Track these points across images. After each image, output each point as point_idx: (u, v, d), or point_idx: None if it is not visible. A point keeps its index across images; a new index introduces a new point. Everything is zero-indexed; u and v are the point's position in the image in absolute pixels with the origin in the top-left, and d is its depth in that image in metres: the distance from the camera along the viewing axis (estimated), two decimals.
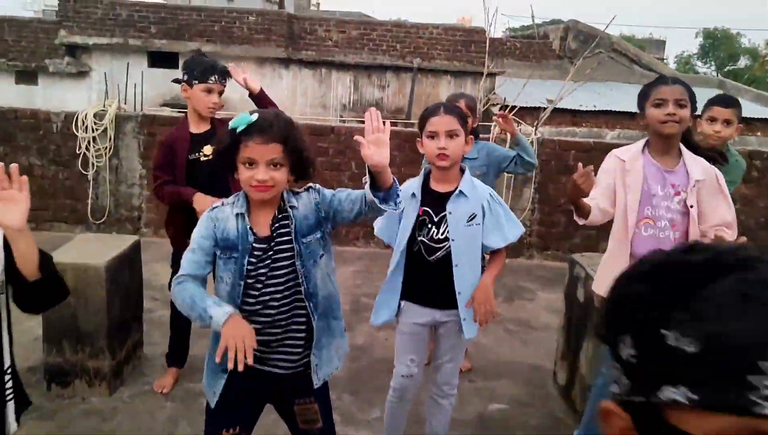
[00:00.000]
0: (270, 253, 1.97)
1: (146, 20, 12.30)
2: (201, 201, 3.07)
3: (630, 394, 0.59)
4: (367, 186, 1.88)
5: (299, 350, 2.06)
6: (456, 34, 12.88)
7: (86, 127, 5.82)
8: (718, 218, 2.61)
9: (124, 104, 6.15)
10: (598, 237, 6.17)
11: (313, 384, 2.07)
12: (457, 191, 2.48)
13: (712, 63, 37.08)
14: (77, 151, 5.87)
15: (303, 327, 2.05)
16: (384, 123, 1.88)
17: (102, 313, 3.27)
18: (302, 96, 12.97)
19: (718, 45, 35.49)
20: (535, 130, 6.05)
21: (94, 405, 3.29)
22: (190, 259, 1.94)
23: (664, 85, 2.58)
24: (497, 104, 13.12)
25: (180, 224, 3.24)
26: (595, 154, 6.00)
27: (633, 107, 9.91)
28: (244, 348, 1.69)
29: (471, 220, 2.48)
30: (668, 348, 0.54)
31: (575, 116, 13.17)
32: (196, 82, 3.19)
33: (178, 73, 10.60)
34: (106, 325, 3.29)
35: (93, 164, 5.90)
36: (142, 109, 6.12)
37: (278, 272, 1.98)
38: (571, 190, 2.41)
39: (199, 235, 1.98)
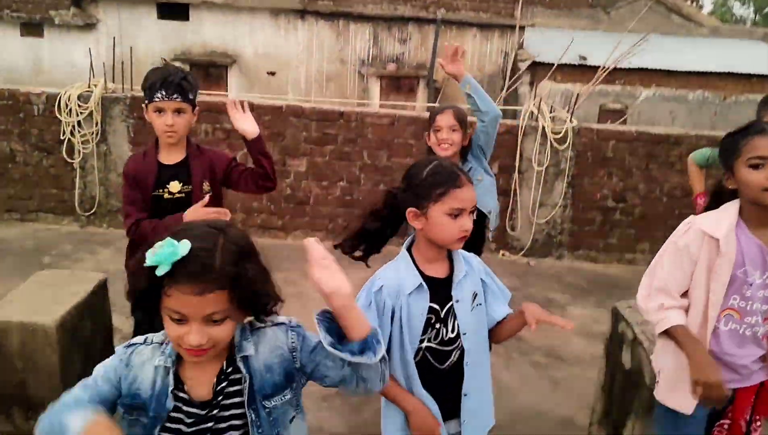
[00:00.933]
0: (209, 423, 1.36)
1: None
2: (193, 215, 2.41)
3: None
4: (326, 340, 1.31)
5: None
6: None
7: (70, 111, 5.17)
8: None
9: (112, 83, 5.44)
10: (637, 237, 5.46)
11: None
12: (463, 273, 1.87)
13: (751, 4, 34.92)
14: (62, 137, 5.24)
15: None
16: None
17: (55, 378, 2.72)
18: (318, 50, 12.11)
19: None
20: (571, 116, 5.25)
21: None
22: (77, 394, 1.35)
23: (761, 136, 1.83)
24: (525, 60, 12.15)
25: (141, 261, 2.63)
26: (638, 145, 5.22)
27: (670, 64, 8.84)
28: None
29: (474, 301, 1.89)
30: None
31: (608, 73, 12.14)
32: (146, 101, 2.51)
33: (189, 26, 9.60)
34: (61, 391, 2.74)
35: (79, 151, 5.27)
36: (131, 89, 5.41)
37: None
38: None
39: (102, 371, 1.38)
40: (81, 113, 5.19)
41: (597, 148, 5.22)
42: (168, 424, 1.34)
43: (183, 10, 11.80)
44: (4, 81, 10.67)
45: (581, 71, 12.31)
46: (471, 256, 1.97)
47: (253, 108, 2.60)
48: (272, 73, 12.02)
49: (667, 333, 1.95)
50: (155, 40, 11.79)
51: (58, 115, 5.19)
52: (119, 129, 5.28)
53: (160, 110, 2.49)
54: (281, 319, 1.44)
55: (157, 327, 1.34)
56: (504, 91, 7.04)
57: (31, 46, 12.18)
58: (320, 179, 5.34)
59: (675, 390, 2.05)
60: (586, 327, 4.41)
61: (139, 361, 1.37)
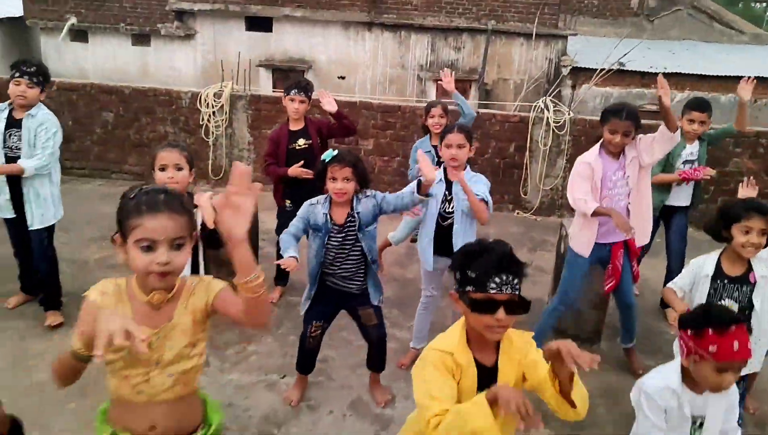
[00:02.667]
0: (342, 235, 3.64)
1: None
2: (292, 171, 4.85)
3: (458, 288, 2.23)
4: (415, 194, 3.54)
5: (360, 281, 3.79)
6: None
7: (207, 104, 7.71)
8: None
9: (234, 83, 7.96)
10: None
11: (369, 299, 3.80)
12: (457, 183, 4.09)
13: None
14: (201, 123, 7.79)
15: (362, 271, 3.78)
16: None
17: None
18: (383, 57, 14.49)
19: None
20: (570, 110, 7.42)
21: None
22: (293, 224, 3.65)
23: (617, 118, 3.96)
24: (568, 65, 14.18)
25: (281, 192, 5.07)
26: None
27: (705, 69, 11.19)
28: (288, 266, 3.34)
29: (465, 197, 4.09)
30: (467, 275, 2.19)
31: (644, 77, 14.03)
32: (285, 95, 4.92)
33: (272, 36, 12.80)
34: None
35: (212, 132, 7.81)
36: (249, 90, 7.91)
37: (346, 247, 3.67)
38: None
39: (300, 215, 3.66)
40: (215, 106, 7.72)
41: (588, 133, 7.38)
42: (329, 236, 3.66)
43: (267, 22, 14.44)
44: (118, 82, 13.53)
45: (619, 76, 14.22)
46: (473, 174, 4.16)
47: (336, 102, 4.94)
48: (342, 78, 14.51)
49: (595, 212, 3.94)
50: (243, 48, 14.39)
51: (199, 107, 7.73)
52: (241, 117, 7.80)
53: (292, 100, 4.89)
54: (369, 193, 3.72)
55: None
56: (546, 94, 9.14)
57: (140, 53, 15.07)
58: (382, 155, 7.70)
59: (578, 242, 4.26)
60: None
61: (315, 210, 3.67)
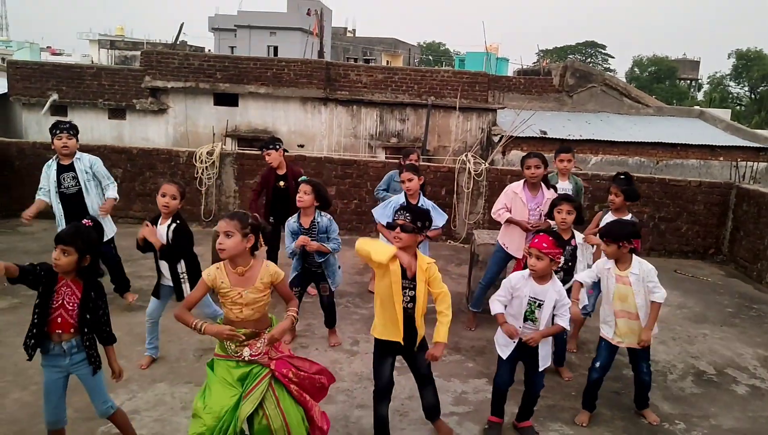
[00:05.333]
0: (309, 235, 6.16)
1: (213, 68, 16.85)
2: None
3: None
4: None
5: (320, 267, 6.25)
6: (463, 77, 17.10)
7: (201, 160, 10.21)
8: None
9: (224, 145, 10.49)
10: None
11: (327, 279, 6.26)
12: (419, 203, 6.66)
13: (746, 83, 40.19)
14: (195, 175, 10.25)
15: (321, 260, 6.27)
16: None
17: None
18: (337, 128, 17.33)
19: (751, 65, 38.66)
20: (487, 161, 10.19)
21: None
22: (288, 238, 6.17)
23: (529, 157, 6.60)
24: (498, 134, 17.24)
25: (265, 213, 7.53)
26: None
27: (615, 136, 15.13)
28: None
29: None
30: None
31: (563, 144, 17.13)
32: (263, 150, 7.46)
33: (238, 110, 16.18)
34: None
35: (205, 183, 10.27)
36: (235, 150, 10.46)
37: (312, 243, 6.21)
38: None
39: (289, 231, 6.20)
40: (207, 161, 10.22)
41: (501, 180, 10.14)
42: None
43: (233, 98, 17.21)
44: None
45: (542, 142, 17.33)
46: (427, 201, 6.82)
47: (305, 158, 7.48)
48: (301, 146, 17.25)
49: (509, 220, 6.70)
50: (212, 121, 17.06)
51: (194, 163, 10.22)
52: (229, 171, 10.31)
53: (268, 154, 7.44)
54: (328, 216, 6.29)
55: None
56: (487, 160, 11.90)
57: (115, 126, 17.58)
58: (343, 199, 10.26)
59: (506, 239, 6.83)
60: None
61: (290, 222, 6.22)
